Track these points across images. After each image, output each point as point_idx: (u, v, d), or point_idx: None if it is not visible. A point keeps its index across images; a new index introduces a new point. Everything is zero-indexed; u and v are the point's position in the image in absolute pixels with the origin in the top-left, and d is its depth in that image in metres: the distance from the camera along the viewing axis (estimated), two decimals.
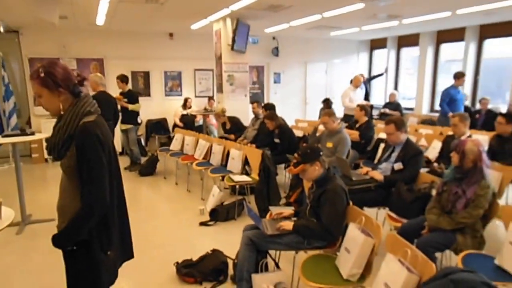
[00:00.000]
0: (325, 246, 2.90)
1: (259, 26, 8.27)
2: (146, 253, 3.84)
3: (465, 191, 2.90)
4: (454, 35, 8.98)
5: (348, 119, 7.41)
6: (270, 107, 6.40)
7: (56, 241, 1.84)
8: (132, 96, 6.83)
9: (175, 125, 8.75)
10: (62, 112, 1.84)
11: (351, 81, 10.01)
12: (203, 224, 4.59)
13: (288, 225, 2.90)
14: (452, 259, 3.15)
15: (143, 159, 7.23)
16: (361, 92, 8.43)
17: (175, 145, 6.76)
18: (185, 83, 9.64)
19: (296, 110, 10.84)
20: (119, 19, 7.14)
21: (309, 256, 2.82)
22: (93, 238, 1.84)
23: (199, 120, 8.99)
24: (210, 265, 3.37)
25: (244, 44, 7.26)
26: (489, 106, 7.67)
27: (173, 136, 7.09)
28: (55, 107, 1.85)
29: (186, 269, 3.36)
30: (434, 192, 3.26)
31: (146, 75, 9.21)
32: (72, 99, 1.84)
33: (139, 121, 7.05)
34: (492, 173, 3.61)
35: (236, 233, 3.00)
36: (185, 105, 9.08)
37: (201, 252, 3.55)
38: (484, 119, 7.34)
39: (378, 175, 3.84)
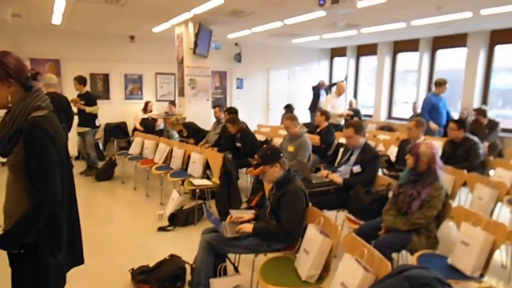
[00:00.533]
0: (284, 248, 2.90)
1: (222, 32, 8.25)
2: (100, 259, 3.69)
3: (420, 192, 2.98)
4: (410, 45, 9.35)
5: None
6: (232, 111, 6.37)
7: (1, 242, 1.71)
8: (90, 98, 6.60)
9: (135, 129, 8.54)
10: (10, 105, 1.74)
11: (313, 88, 10.22)
12: (161, 229, 4.48)
13: (248, 227, 2.86)
14: (408, 260, 3.22)
15: (100, 164, 7.00)
16: (344, 99, 8.15)
17: (134, 149, 6.58)
18: (146, 86, 9.44)
19: (259, 115, 10.88)
20: (77, 19, 6.91)
21: (268, 258, 2.79)
22: (42, 240, 1.74)
23: (160, 124, 8.82)
24: (167, 271, 3.27)
25: (206, 49, 7.22)
26: None
27: (133, 140, 6.91)
28: (3, 99, 1.74)
29: (141, 276, 3.24)
30: (390, 194, 3.34)
31: (106, 77, 8.93)
32: (22, 93, 1.75)
33: (97, 124, 6.82)
34: (445, 176, 3.74)
35: (196, 238, 2.94)
36: (145, 109, 8.88)
37: (158, 258, 3.45)
38: None
39: (337, 178, 3.89)
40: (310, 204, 2.92)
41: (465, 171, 4.23)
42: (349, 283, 2.08)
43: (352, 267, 2.15)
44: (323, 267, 2.55)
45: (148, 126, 8.55)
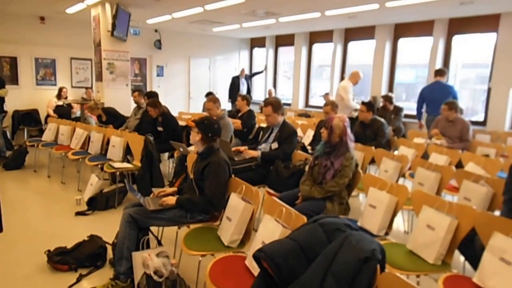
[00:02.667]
0: (207, 219, 2.97)
1: (141, 16, 8.04)
2: (11, 245, 3.49)
3: (333, 162, 3.21)
4: (325, 36, 9.87)
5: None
6: (152, 95, 6.25)
7: None
8: None
9: (48, 117, 8.00)
10: None
11: (233, 78, 10.30)
12: (79, 213, 4.31)
13: (171, 199, 2.88)
14: None
15: (9, 153, 6.46)
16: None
17: (48, 136, 6.16)
18: (60, 72, 8.84)
19: (180, 104, 10.76)
20: None
21: (192, 229, 2.85)
22: None
23: (76, 111, 8.36)
24: (87, 251, 3.19)
25: (125, 32, 6.98)
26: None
27: (46, 128, 6.46)
28: None
29: (58, 257, 3.12)
30: (307, 168, 3.55)
31: (13, 60, 8.21)
32: None
33: (5, 108, 6.25)
34: (356, 153, 4.06)
35: (117, 221, 2.86)
36: (59, 95, 8.34)
37: (77, 240, 3.33)
38: None
39: (254, 152, 4.06)
40: (233, 175, 3.02)
41: (373, 147, 4.62)
42: (269, 240, 2.20)
43: (272, 226, 2.29)
44: (245, 233, 2.67)
45: (63, 113, 8.03)
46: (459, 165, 4.45)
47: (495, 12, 6.84)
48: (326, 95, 9.22)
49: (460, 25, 7.51)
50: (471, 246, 2.50)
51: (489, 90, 7.12)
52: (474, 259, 2.45)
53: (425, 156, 4.86)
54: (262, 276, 1.78)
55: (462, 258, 2.80)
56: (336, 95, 7.17)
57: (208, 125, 3.01)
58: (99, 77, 7.11)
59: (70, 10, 7.50)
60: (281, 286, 1.66)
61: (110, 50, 6.96)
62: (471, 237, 2.44)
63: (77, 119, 7.94)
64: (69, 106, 8.35)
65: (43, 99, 8.43)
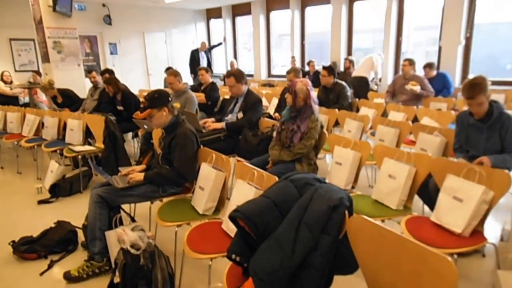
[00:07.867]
0: (180, 191, 2.93)
1: None
2: None
3: (299, 126, 3.24)
4: (281, 3, 9.81)
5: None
6: (108, 72, 5.99)
7: None
8: None
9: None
10: None
11: (192, 52, 10.08)
12: (42, 202, 4.11)
13: (139, 175, 2.80)
14: None
15: None
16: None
17: None
18: None
19: (139, 81, 10.45)
20: None
21: (165, 202, 2.81)
22: None
23: (24, 97, 7.90)
24: (55, 237, 3.08)
25: (68, 7, 6.51)
26: (316, 68, 8.63)
27: None
28: None
29: (25, 246, 2.98)
30: (275, 134, 3.57)
31: None
32: None
33: None
34: (321, 117, 4.12)
35: (84, 206, 2.74)
36: (3, 81, 7.81)
37: (43, 229, 3.19)
38: (312, 78, 8.23)
39: (218, 124, 4.02)
40: (201, 146, 2.97)
41: (336, 110, 4.70)
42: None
43: (245, 189, 2.29)
44: (219, 201, 2.67)
45: (10, 100, 7.55)
46: (415, 120, 4.64)
47: None
48: (293, 59, 9.27)
49: None
50: (426, 189, 2.71)
51: (439, 49, 7.33)
52: (430, 201, 2.67)
53: (385, 114, 5.02)
54: (240, 234, 1.82)
55: (421, 202, 2.96)
56: (367, 65, 7.51)
57: (159, 96, 2.84)
58: (46, 58, 6.68)
59: None
60: (258, 241, 1.71)
61: (54, 28, 6.52)
62: (426, 181, 2.64)
63: (25, 105, 7.52)
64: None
65: None
